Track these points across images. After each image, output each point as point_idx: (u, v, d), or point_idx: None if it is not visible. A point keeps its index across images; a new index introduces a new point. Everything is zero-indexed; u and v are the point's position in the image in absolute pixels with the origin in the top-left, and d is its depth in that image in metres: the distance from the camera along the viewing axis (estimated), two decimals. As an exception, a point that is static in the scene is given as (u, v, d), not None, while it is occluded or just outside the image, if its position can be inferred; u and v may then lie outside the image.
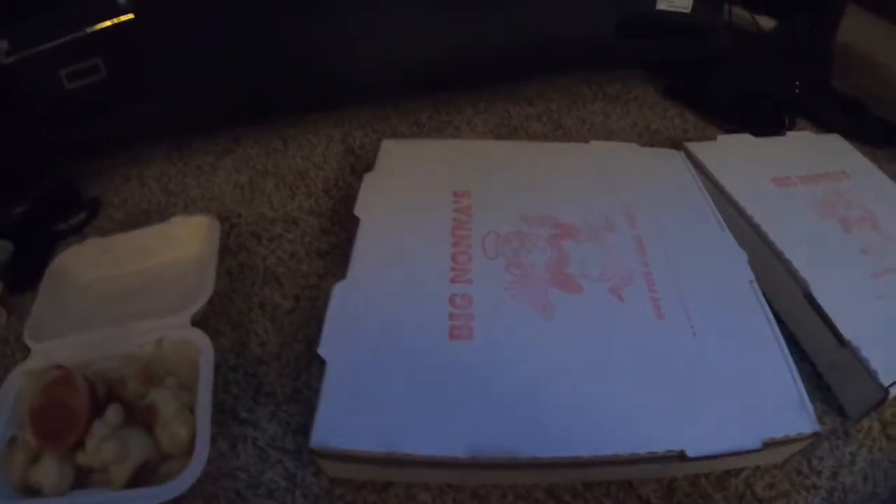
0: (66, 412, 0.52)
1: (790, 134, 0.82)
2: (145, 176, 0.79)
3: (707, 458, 0.45)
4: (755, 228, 0.63)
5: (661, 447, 0.44)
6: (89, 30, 0.72)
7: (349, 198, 0.66)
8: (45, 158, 0.79)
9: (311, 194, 0.66)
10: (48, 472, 0.50)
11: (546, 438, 0.45)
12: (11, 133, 0.75)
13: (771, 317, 0.54)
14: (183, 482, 0.48)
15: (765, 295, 0.60)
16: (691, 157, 0.72)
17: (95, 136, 0.77)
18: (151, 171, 0.80)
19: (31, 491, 0.51)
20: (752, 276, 0.58)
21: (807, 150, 0.78)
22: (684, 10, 0.83)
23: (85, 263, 0.68)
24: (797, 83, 0.88)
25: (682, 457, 0.44)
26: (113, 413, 0.52)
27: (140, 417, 0.53)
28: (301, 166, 0.78)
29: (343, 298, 0.54)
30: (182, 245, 0.68)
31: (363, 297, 0.55)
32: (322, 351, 0.50)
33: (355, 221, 0.61)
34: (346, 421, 0.46)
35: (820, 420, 0.50)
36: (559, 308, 0.54)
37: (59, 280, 0.66)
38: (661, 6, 0.82)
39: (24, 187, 0.78)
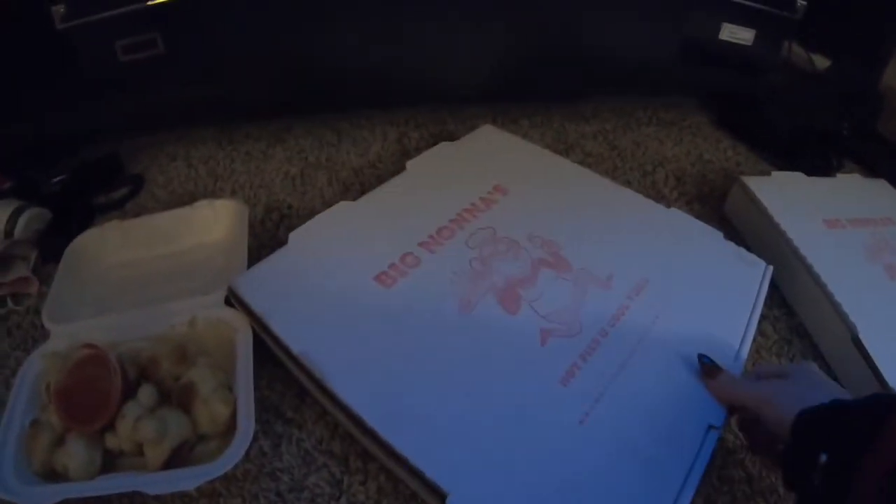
0: (96, 393, 0.49)
1: (839, 176, 0.79)
2: (192, 157, 0.76)
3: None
4: (808, 268, 0.61)
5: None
6: (151, 2, 0.68)
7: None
8: (88, 130, 0.75)
9: (365, 192, 0.62)
10: (75, 455, 0.47)
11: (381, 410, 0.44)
12: (57, 101, 0.71)
13: (690, 481, 0.42)
14: (230, 458, 0.44)
15: (811, 334, 0.60)
16: (746, 191, 0.70)
17: (143, 112, 0.74)
18: (199, 152, 0.76)
19: (55, 475, 0.47)
20: (718, 423, 0.45)
21: (855, 193, 0.76)
22: (746, 43, 0.81)
23: (105, 246, 0.64)
24: (845, 125, 0.85)
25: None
26: (146, 393, 0.49)
27: (175, 398, 0.49)
28: (355, 163, 0.75)
29: (339, 209, 0.60)
30: (207, 229, 0.64)
31: (352, 216, 0.60)
32: (291, 235, 0.56)
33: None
34: (269, 289, 0.52)
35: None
36: (478, 311, 0.52)
37: (77, 263, 0.62)
38: (723, 36, 0.80)
39: (63, 157, 0.74)
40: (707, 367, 0.47)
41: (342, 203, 0.61)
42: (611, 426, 0.44)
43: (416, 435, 0.43)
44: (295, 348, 0.48)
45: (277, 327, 0.49)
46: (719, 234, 0.62)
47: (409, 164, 0.66)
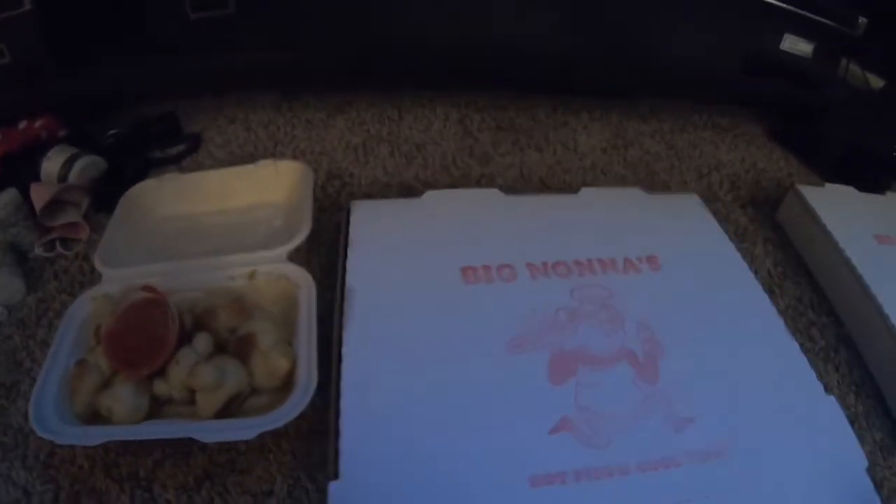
0: (149, 337, 0.46)
1: (889, 194, 0.77)
2: (251, 121, 0.74)
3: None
4: (858, 279, 0.58)
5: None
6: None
7: (466, 177, 0.60)
8: (148, 87, 0.72)
9: (427, 167, 0.60)
10: (123, 399, 0.44)
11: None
12: (121, 58, 0.69)
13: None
14: (290, 410, 0.41)
15: (857, 345, 0.57)
16: (801, 199, 0.67)
17: (205, 73, 0.71)
18: (258, 116, 0.74)
19: (98, 418, 0.44)
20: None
21: (906, 212, 0.73)
22: (805, 56, 0.79)
23: (161, 197, 0.62)
24: (895, 146, 0.83)
25: None
26: (202, 341, 0.46)
27: (232, 349, 0.46)
28: (417, 139, 0.73)
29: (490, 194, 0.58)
30: (269, 189, 0.61)
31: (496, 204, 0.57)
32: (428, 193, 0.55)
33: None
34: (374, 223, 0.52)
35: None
36: (521, 359, 0.46)
37: (133, 211, 0.60)
38: (784, 46, 0.78)
39: (120, 111, 0.71)
40: None
41: (495, 190, 0.58)
42: None
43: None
44: (351, 281, 0.47)
45: (353, 256, 0.49)
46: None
47: (585, 190, 0.60)
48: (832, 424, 0.45)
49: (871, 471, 0.43)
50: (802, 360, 0.49)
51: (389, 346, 0.44)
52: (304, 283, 0.49)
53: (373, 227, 0.52)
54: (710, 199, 0.66)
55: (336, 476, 0.38)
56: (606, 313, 0.49)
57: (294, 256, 0.52)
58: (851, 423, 0.47)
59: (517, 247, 0.52)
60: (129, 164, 0.65)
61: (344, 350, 0.44)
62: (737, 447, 0.42)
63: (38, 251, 0.59)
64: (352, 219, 0.52)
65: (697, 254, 0.56)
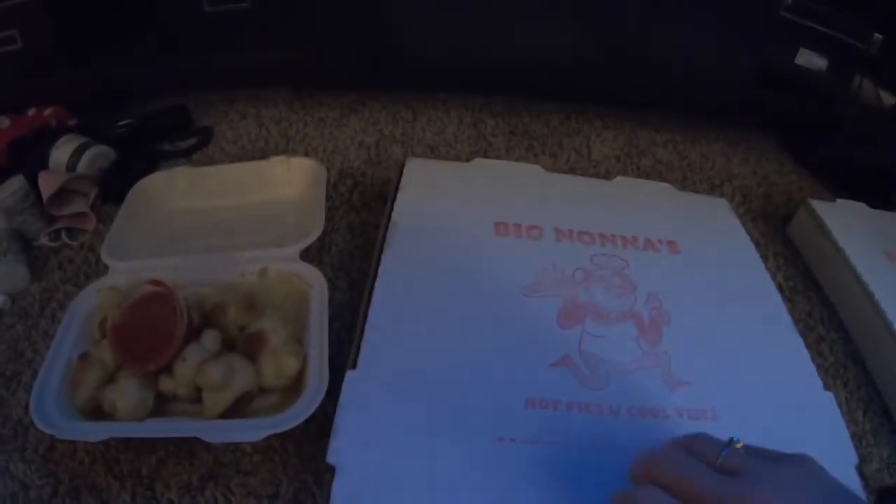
0: (156, 332, 0.45)
1: (898, 212, 0.76)
2: (263, 117, 0.73)
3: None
4: (869, 296, 0.58)
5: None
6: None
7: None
8: (160, 79, 0.72)
9: (441, 169, 0.60)
10: (127, 394, 0.43)
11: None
12: (134, 50, 0.68)
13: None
14: (299, 412, 0.40)
15: (866, 361, 0.57)
16: (812, 214, 0.67)
17: (220, 66, 0.70)
18: (270, 113, 0.73)
19: (99, 414, 0.43)
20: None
21: (915, 230, 0.72)
22: (819, 70, 0.79)
23: (171, 191, 0.61)
24: (903, 163, 0.83)
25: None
26: (210, 338, 0.45)
27: (240, 347, 0.45)
28: (431, 140, 0.72)
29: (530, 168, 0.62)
30: (280, 185, 0.61)
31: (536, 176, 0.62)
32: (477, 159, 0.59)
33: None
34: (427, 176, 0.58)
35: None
36: (535, 301, 0.49)
37: (142, 203, 0.59)
38: (799, 60, 0.78)
39: (131, 102, 0.71)
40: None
41: (538, 166, 0.61)
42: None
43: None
44: (395, 217, 0.52)
45: (401, 198, 0.54)
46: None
47: (620, 178, 0.64)
48: (826, 419, 0.46)
49: (861, 468, 0.43)
50: (805, 353, 0.50)
51: (419, 273, 0.48)
52: (316, 282, 0.48)
53: (422, 178, 0.57)
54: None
55: (355, 367, 0.42)
56: (620, 280, 0.52)
57: (305, 255, 0.51)
58: (859, 439, 0.49)
59: (548, 212, 0.56)
60: (138, 155, 0.64)
61: (380, 269, 0.48)
62: (725, 415, 0.44)
63: (44, 240, 0.58)
64: (405, 170, 0.57)
65: (716, 246, 0.58)
